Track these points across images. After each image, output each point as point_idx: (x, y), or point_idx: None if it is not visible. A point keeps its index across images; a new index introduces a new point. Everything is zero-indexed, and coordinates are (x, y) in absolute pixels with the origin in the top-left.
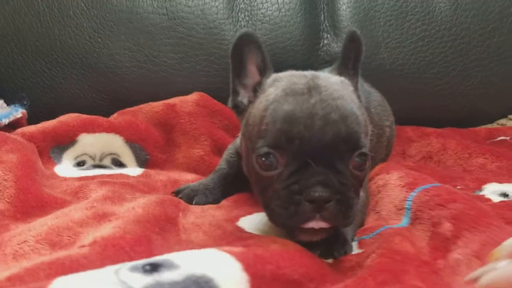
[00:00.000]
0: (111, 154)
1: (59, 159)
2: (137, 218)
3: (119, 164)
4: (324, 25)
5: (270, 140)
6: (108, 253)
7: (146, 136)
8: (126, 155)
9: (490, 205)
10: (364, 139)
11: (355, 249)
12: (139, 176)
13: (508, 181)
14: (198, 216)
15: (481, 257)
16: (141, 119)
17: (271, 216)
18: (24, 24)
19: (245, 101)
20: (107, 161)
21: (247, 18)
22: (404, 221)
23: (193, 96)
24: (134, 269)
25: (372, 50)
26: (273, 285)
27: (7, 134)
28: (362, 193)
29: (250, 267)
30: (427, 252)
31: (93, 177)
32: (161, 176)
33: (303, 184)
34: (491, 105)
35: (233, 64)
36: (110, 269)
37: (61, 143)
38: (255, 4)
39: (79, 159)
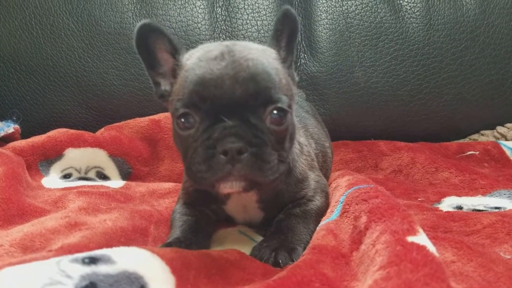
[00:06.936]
0: (95, 167)
1: (46, 172)
2: (105, 230)
3: (103, 176)
4: (301, 45)
5: (186, 100)
6: None
7: (129, 150)
8: (110, 168)
9: (436, 215)
10: (278, 94)
11: None
12: (120, 188)
13: (467, 195)
14: None
15: (376, 244)
16: (126, 133)
17: (192, 176)
18: (19, 45)
19: (168, 88)
20: (92, 174)
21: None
22: (334, 214)
23: None
24: (74, 260)
25: (347, 69)
26: (198, 284)
27: None
28: (318, 200)
29: (177, 270)
30: (347, 244)
31: (74, 187)
32: (140, 187)
33: (216, 138)
34: (463, 121)
35: (143, 58)
36: (52, 260)
37: (49, 157)
38: (236, 28)
39: (66, 172)
